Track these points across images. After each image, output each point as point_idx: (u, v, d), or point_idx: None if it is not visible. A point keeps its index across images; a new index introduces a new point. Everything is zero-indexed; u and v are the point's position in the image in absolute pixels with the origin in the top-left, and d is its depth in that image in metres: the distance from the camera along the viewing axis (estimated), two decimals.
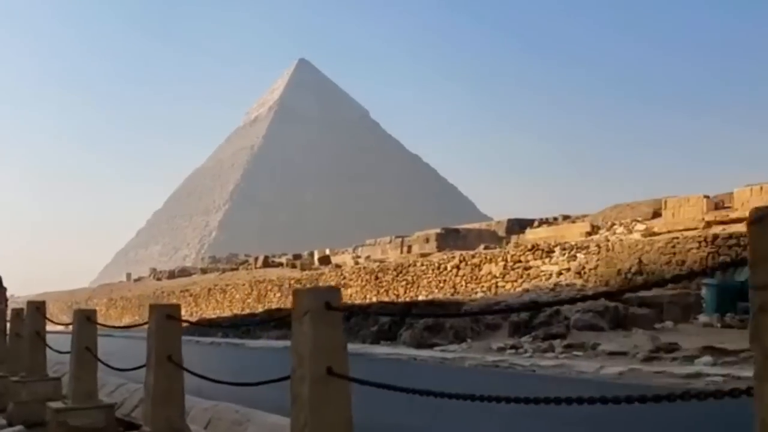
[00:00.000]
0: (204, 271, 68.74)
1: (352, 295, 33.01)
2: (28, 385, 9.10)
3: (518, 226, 57.14)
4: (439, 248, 46.73)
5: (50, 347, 9.11)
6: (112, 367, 6.69)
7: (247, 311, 35.31)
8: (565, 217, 53.76)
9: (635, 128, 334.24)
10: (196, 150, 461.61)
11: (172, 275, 75.09)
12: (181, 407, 5.59)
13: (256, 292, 39.48)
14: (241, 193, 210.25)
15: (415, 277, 29.57)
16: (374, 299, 30.83)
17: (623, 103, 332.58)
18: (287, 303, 36.74)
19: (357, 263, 49.20)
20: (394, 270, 31.68)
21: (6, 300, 25.30)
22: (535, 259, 24.06)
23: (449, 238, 50.97)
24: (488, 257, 26.23)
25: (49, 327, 9.84)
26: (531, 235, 38.09)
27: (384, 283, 31.32)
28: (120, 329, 12.56)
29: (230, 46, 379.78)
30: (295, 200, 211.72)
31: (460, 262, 27.25)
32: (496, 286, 25.02)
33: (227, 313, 36.81)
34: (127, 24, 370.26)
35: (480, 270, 25.84)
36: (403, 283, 30.23)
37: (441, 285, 28.15)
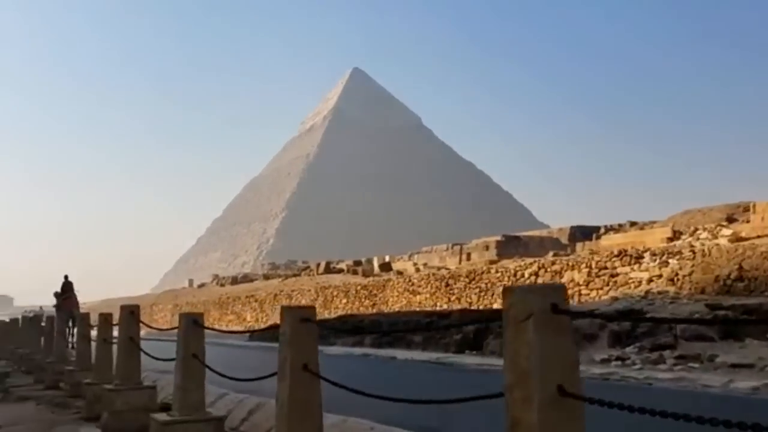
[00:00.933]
0: (266, 277, 68.90)
1: (422, 302, 32.14)
2: (122, 393, 8.61)
3: (581, 233, 55.46)
4: (499, 256, 45.48)
5: (147, 353, 8.55)
6: (231, 378, 6.00)
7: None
8: (632, 224, 51.87)
9: (695, 136, 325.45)
10: (254, 159, 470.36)
11: (234, 281, 75.67)
12: (319, 422, 4.90)
13: (322, 298, 39.03)
14: (297, 201, 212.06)
15: (489, 285, 28.42)
16: (445, 306, 29.85)
17: (691, 111, 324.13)
18: (353, 309, 36.14)
19: (418, 270, 48.36)
20: (466, 277, 30.62)
21: (78, 305, 25.26)
22: (623, 266, 22.69)
23: (510, 246, 49.73)
24: (570, 264, 24.89)
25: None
26: (606, 242, 36.54)
27: (455, 291, 30.28)
28: (231, 334, 11.89)
29: (286, 57, 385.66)
30: (350, 208, 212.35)
31: (539, 269, 25.98)
32: (579, 294, 23.68)
33: None
34: (193, 38, 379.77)
35: (561, 277, 24.52)
36: (476, 290, 29.11)
37: None
